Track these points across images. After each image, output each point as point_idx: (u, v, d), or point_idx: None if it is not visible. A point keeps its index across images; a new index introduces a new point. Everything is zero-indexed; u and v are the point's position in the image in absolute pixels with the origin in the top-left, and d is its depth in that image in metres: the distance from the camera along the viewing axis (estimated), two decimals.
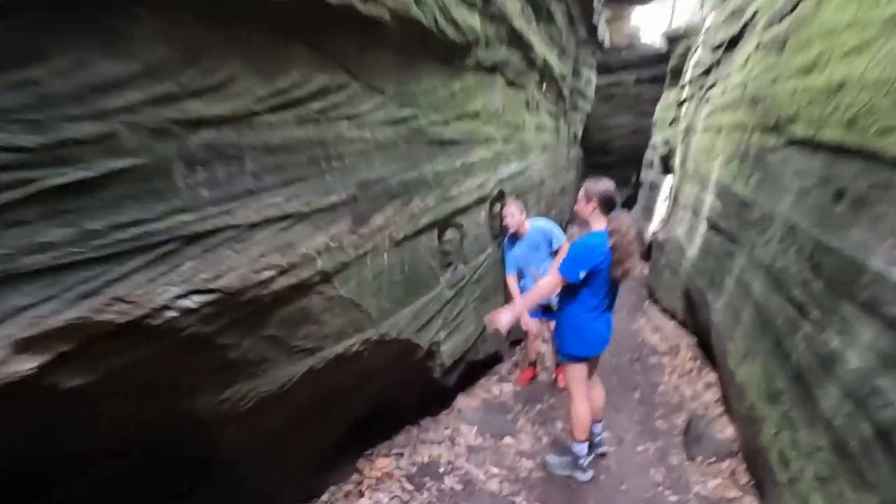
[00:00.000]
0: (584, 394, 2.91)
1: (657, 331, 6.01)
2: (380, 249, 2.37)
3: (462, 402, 3.94)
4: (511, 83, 4.54)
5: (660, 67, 12.87)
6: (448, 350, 3.28)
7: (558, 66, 6.57)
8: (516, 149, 4.72)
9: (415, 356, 2.90)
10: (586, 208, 2.73)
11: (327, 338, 2.10)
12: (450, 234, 3.23)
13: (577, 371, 2.88)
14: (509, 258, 3.96)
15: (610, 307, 2.84)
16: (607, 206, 2.65)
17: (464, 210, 3.38)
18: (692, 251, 5.46)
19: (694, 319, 5.36)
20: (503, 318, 2.72)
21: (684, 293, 5.60)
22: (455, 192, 3.18)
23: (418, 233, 2.77)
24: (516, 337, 5.20)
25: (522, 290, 3.93)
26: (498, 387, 4.34)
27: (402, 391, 3.18)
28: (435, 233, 3.00)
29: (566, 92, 7.90)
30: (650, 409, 4.06)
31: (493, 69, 3.75)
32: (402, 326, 2.62)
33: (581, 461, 3.08)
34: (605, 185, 2.66)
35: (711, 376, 4.50)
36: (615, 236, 2.57)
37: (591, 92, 10.84)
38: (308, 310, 1.94)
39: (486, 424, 3.66)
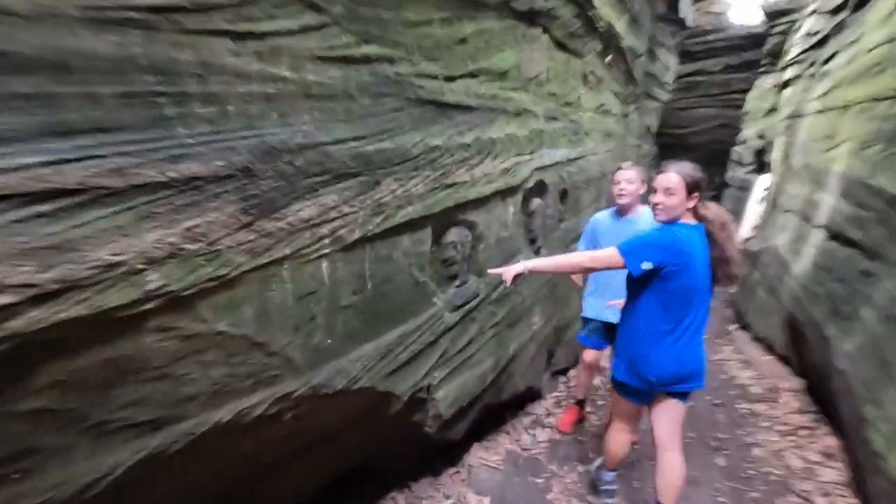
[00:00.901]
0: (628, 427, 2.41)
1: (748, 366, 4.75)
2: (309, 256, 1.52)
3: (477, 455, 3.01)
4: (561, 45, 3.55)
5: (753, 51, 11.18)
6: (449, 395, 2.37)
7: (629, 37, 5.44)
8: (566, 130, 3.72)
9: (388, 409, 2.03)
10: (685, 203, 2.09)
11: (191, 401, 1.27)
12: (454, 235, 2.33)
13: (625, 404, 2.34)
14: (598, 232, 3.02)
15: (693, 332, 2.10)
16: (700, 194, 2.09)
17: (478, 203, 2.46)
18: (800, 267, 4.19)
19: (801, 357, 4.08)
20: (510, 271, 2.20)
21: (787, 321, 4.32)
22: (462, 176, 2.27)
23: (393, 232, 1.89)
24: (562, 365, 4.17)
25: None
26: (530, 434, 3.35)
27: (377, 452, 2.32)
28: (426, 233, 2.11)
29: (638, 74, 6.70)
30: (741, 487, 2.92)
31: (531, 17, 2.80)
32: (356, 371, 1.75)
33: (601, 486, 2.69)
34: (697, 170, 2.12)
35: (831, 441, 3.27)
36: (720, 221, 2.04)
37: (668, 79, 9.44)
38: (135, 358, 1.12)
39: (503, 493, 2.71)
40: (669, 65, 9.41)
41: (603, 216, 3.13)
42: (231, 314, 1.31)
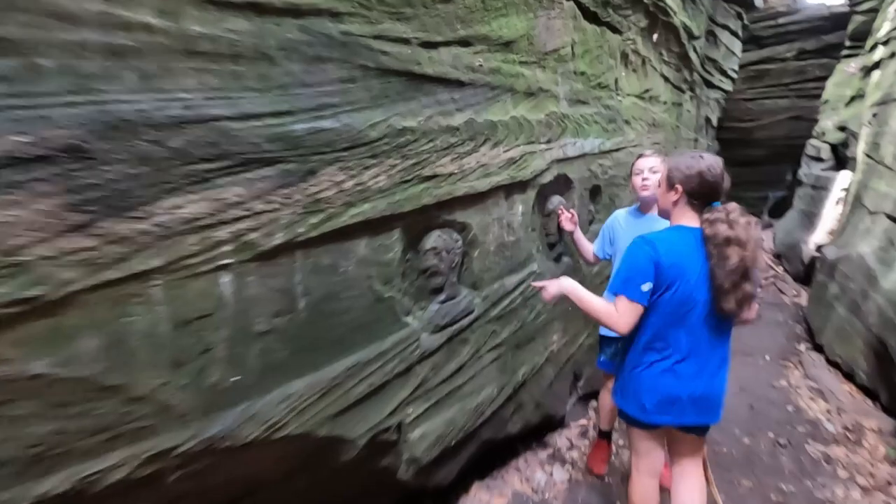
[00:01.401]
0: (651, 470, 1.94)
1: (820, 396, 4.01)
2: (197, 269, 1.14)
3: (477, 497, 2.55)
4: (593, 17, 3.03)
5: (833, 34, 9.98)
6: (429, 435, 1.95)
7: (682, 14, 4.78)
8: (599, 117, 3.18)
9: (338, 456, 1.63)
10: (666, 196, 1.80)
11: None
12: (436, 240, 1.89)
13: (639, 440, 1.92)
14: (615, 234, 2.53)
15: (702, 355, 1.73)
16: (702, 194, 1.71)
17: (470, 200, 2.02)
18: (892, 281, 3.44)
19: (891, 391, 3.35)
20: (551, 288, 2.01)
21: (873, 344, 3.58)
22: (447, 167, 1.84)
23: (339, 236, 1.49)
24: (594, 388, 3.63)
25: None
26: (545, 471, 2.86)
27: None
28: (393, 237, 1.69)
29: (695, 57, 5.97)
30: None
31: None
32: (279, 415, 1.36)
33: None
34: (699, 162, 1.70)
35: None
36: (716, 240, 1.63)
37: (732, 66, 8.51)
38: None
39: None
40: (734, 50, 8.48)
41: (621, 214, 2.60)
42: (55, 350, 0.95)
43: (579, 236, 2.74)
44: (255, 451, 1.34)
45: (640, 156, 2.44)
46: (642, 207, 2.48)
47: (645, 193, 2.37)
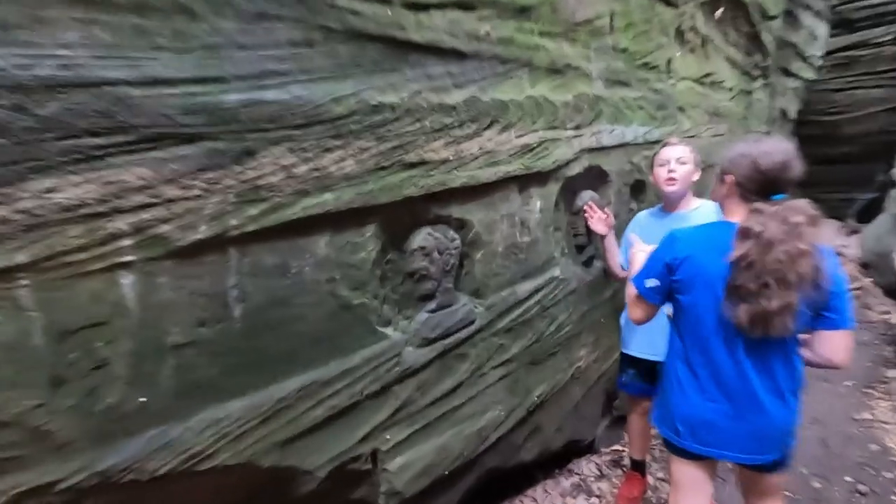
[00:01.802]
0: None
1: None
2: (84, 267, 0.93)
3: None
4: None
5: None
6: (414, 464, 1.67)
7: None
8: (645, 101, 2.78)
9: (295, 489, 1.39)
10: (716, 190, 1.52)
11: None
12: (425, 238, 1.61)
13: (677, 470, 1.61)
14: (636, 232, 2.14)
15: (753, 378, 1.40)
16: (755, 185, 1.36)
17: (472, 193, 1.72)
18: None
19: None
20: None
21: None
22: (439, 152, 1.56)
23: (291, 230, 1.25)
24: (624, 411, 3.22)
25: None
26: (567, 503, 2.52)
27: None
28: (366, 233, 1.43)
29: (770, 40, 5.30)
30: None
31: None
32: (203, 443, 1.14)
33: None
34: (754, 146, 1.37)
35: None
36: (749, 242, 1.29)
37: (816, 51, 7.59)
38: None
39: None
40: (818, 34, 7.56)
41: (642, 216, 2.23)
42: None
43: (611, 243, 2.33)
44: (176, 484, 1.13)
45: (665, 144, 2.06)
46: (666, 206, 2.09)
47: (671, 188, 1.99)
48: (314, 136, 1.25)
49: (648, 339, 2.10)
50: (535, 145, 1.94)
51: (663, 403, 1.61)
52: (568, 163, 2.16)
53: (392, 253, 1.56)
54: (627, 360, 2.20)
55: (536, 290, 2.07)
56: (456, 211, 1.69)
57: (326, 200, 1.29)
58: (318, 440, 1.38)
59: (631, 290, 1.62)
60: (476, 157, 1.69)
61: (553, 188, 2.13)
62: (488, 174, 1.74)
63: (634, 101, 2.67)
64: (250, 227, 1.16)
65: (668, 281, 1.48)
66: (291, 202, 1.23)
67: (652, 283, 1.51)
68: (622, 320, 2.33)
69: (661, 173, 2.01)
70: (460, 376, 1.78)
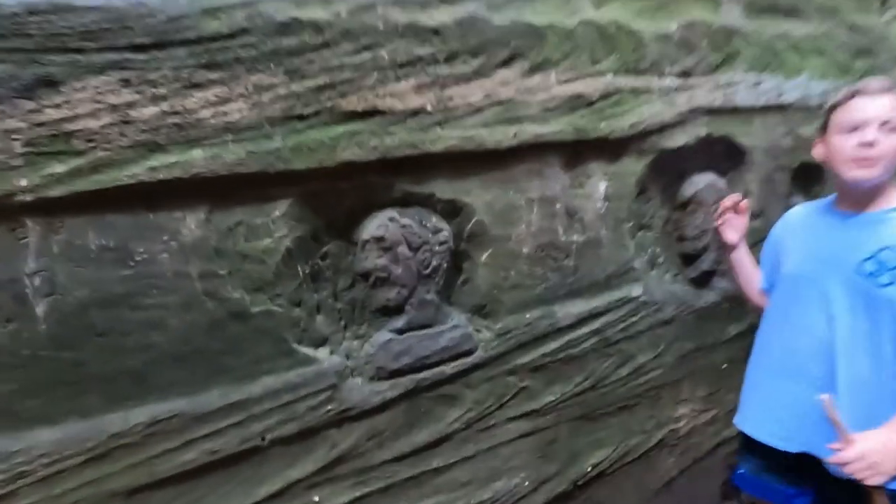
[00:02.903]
0: None
1: None
2: None
3: None
4: None
5: None
6: None
7: None
8: (827, 42, 1.82)
9: None
10: None
11: None
12: (387, 227, 1.11)
13: None
14: (783, 248, 1.33)
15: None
16: None
17: (476, 163, 1.17)
18: None
19: None
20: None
21: None
22: (409, 99, 1.05)
23: (132, 201, 0.88)
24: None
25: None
26: None
27: None
28: (275, 212, 1.00)
29: None
30: None
31: None
32: None
33: None
34: None
35: None
36: None
37: None
38: None
39: None
40: None
41: (795, 217, 1.34)
42: None
43: (742, 257, 1.47)
44: None
45: (855, 93, 1.15)
46: (846, 201, 1.21)
47: (863, 174, 1.11)
48: (170, 63, 0.85)
49: (790, 418, 1.26)
50: (596, 97, 1.28)
51: None
52: (664, 128, 1.43)
53: (332, 244, 1.10)
54: (749, 444, 1.37)
55: (594, 315, 1.41)
56: (443, 189, 1.16)
57: (193, 160, 0.89)
58: (193, 494, 1.00)
59: None
60: (478, 110, 1.13)
61: (633, 165, 1.42)
62: (501, 136, 1.16)
63: (807, 40, 1.75)
64: (56, 192, 0.81)
65: None
66: (129, 159, 0.85)
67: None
68: (751, 364, 1.47)
69: (846, 145, 1.15)
70: (445, 427, 1.25)
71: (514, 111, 1.18)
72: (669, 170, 1.53)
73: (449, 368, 1.22)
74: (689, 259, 1.66)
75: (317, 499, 1.14)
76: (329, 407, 1.10)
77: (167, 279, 0.92)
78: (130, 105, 0.84)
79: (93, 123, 0.82)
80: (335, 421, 1.11)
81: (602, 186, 1.37)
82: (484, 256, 1.24)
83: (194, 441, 0.98)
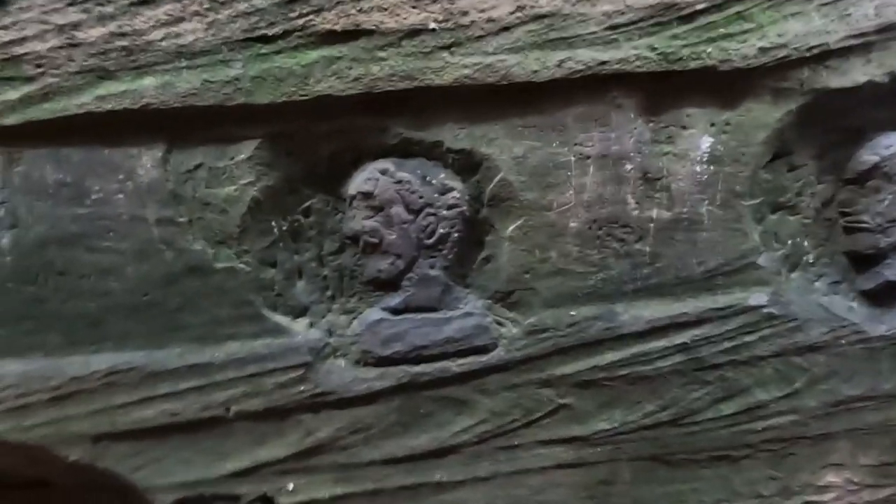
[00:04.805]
0: None
1: None
2: None
3: None
4: None
5: None
6: None
7: None
8: None
9: None
10: None
11: None
12: (377, 181, 0.90)
13: None
14: None
15: None
16: None
17: (494, 102, 0.88)
18: None
19: None
20: None
21: None
22: (402, 14, 0.82)
23: (83, 132, 0.82)
24: None
25: None
26: None
27: None
28: (241, 153, 0.86)
29: None
30: None
31: None
32: None
33: None
34: None
35: None
36: None
37: None
38: None
39: None
40: None
41: None
42: None
43: None
44: None
45: None
46: None
47: None
48: None
49: None
50: (701, 5, 0.87)
51: None
52: (825, 56, 0.93)
53: (317, 199, 0.93)
54: None
55: (679, 325, 1.01)
56: (455, 136, 0.89)
57: (143, 89, 0.80)
58: (154, 453, 0.95)
59: None
60: (505, 28, 0.84)
61: (764, 113, 0.96)
62: (538, 64, 0.85)
63: None
64: (10, 120, 0.78)
65: None
66: (78, 87, 0.79)
67: None
68: None
69: None
70: (449, 436, 1.00)
71: (561, 29, 0.85)
72: (834, 124, 1.02)
73: (455, 366, 0.97)
74: (862, 261, 1.11)
75: (291, 487, 1.00)
76: (301, 387, 0.95)
77: (122, 222, 0.85)
78: (76, 26, 0.77)
79: (40, 46, 0.77)
80: (309, 405, 0.96)
81: (705, 143, 0.95)
82: (511, 228, 0.94)
83: (154, 399, 0.92)
